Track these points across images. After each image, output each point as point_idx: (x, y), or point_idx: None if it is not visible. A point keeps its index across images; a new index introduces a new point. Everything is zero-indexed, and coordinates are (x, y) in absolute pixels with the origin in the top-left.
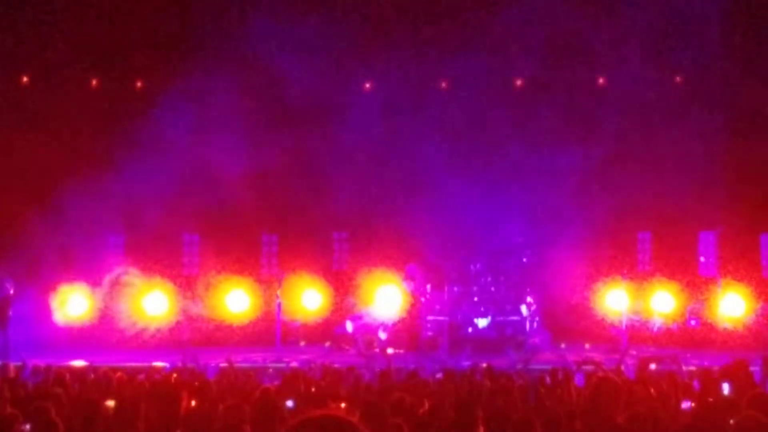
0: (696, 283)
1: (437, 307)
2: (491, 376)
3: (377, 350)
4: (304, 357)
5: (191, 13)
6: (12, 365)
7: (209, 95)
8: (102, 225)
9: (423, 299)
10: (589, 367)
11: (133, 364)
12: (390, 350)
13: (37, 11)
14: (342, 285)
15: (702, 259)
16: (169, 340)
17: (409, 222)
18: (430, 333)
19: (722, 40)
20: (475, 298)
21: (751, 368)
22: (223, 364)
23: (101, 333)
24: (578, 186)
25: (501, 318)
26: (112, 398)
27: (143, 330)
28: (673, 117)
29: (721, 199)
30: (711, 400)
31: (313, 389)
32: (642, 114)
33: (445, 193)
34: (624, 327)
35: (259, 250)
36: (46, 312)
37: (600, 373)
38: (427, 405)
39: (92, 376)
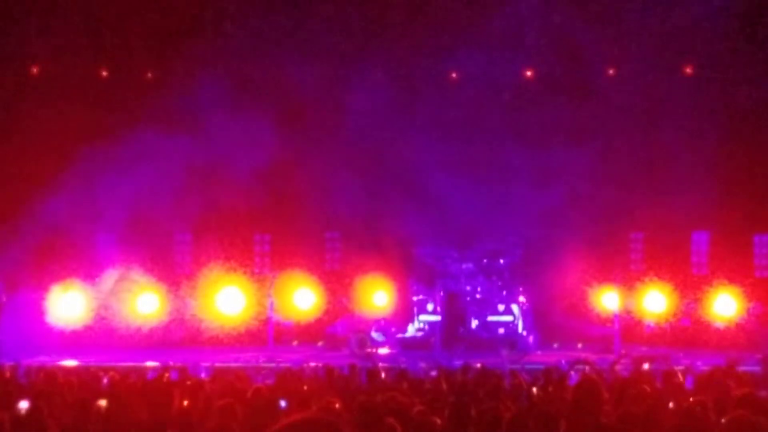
0: (688, 282)
1: (429, 306)
2: (484, 375)
3: (370, 350)
4: (297, 357)
5: (184, 9)
6: (6, 366)
7: (201, 94)
8: (95, 224)
9: (415, 299)
10: (582, 367)
11: (126, 364)
12: (382, 350)
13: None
14: (335, 285)
15: (694, 259)
16: (162, 340)
17: (402, 222)
18: (422, 333)
19: (716, 41)
20: (468, 298)
21: (743, 368)
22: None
23: (94, 333)
24: (571, 186)
25: (493, 318)
26: (104, 398)
27: (136, 329)
28: (666, 118)
29: (713, 199)
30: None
31: (305, 389)
32: (635, 115)
33: (438, 192)
34: (616, 327)
35: (251, 250)
36: (39, 312)
37: (593, 373)
38: (419, 405)
39: (84, 376)
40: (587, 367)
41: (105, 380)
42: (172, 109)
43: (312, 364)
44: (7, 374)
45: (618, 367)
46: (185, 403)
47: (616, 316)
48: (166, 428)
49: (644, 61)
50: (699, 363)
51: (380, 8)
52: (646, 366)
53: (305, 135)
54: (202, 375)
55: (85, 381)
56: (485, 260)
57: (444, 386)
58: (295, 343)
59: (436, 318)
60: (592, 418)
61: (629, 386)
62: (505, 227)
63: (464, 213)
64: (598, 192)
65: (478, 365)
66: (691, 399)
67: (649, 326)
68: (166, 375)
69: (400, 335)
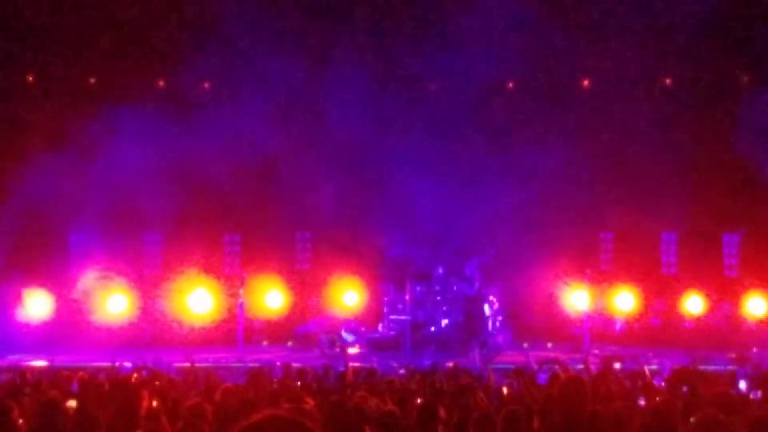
0: (657, 282)
1: (399, 306)
2: (453, 375)
3: (340, 350)
4: (267, 357)
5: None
6: None
7: (173, 95)
8: (64, 225)
9: (386, 298)
10: (552, 366)
11: (95, 364)
12: (352, 350)
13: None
14: (305, 285)
15: (663, 259)
16: (131, 340)
17: (374, 222)
18: (392, 333)
19: (686, 46)
20: (438, 298)
21: (712, 367)
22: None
23: (65, 332)
24: (542, 187)
25: (463, 317)
26: (73, 398)
27: (107, 329)
28: (636, 120)
29: (682, 199)
30: (671, 398)
31: (275, 388)
32: (604, 117)
33: (409, 193)
34: (586, 326)
35: (221, 250)
36: (9, 312)
37: (563, 372)
38: (389, 404)
39: (54, 376)
40: (557, 366)
41: (74, 380)
42: (143, 111)
43: (280, 364)
44: None
45: (587, 366)
46: (154, 403)
47: (586, 315)
48: (135, 428)
49: (616, 66)
50: (668, 362)
51: (353, 9)
52: (617, 365)
53: (276, 136)
54: (173, 375)
55: (55, 381)
56: (456, 260)
57: (414, 386)
58: (265, 343)
59: (406, 318)
60: (572, 417)
61: (599, 385)
62: (477, 228)
63: (435, 213)
64: (569, 193)
65: (450, 364)
66: (659, 398)
67: (618, 326)
68: (136, 375)
69: (370, 335)
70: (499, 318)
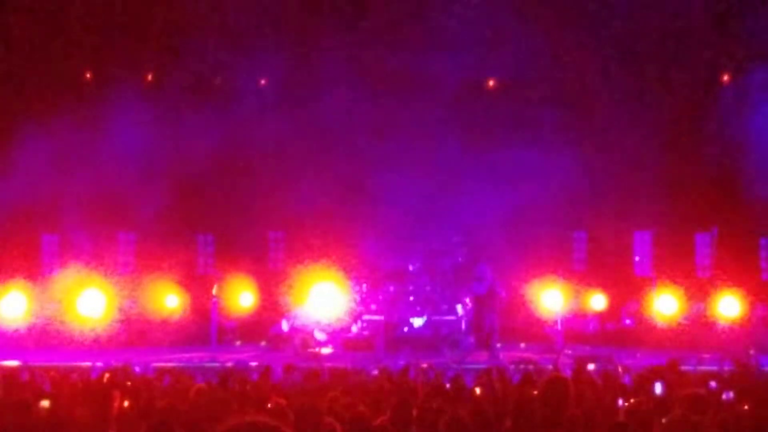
0: (631, 282)
1: (373, 306)
2: (426, 375)
3: (313, 350)
4: (240, 356)
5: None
6: None
7: (141, 91)
8: (39, 223)
9: (358, 298)
10: (524, 366)
11: (67, 364)
12: (325, 350)
13: None
14: (278, 284)
15: (637, 258)
16: (106, 340)
17: (347, 222)
18: (365, 332)
19: (655, 41)
20: (411, 298)
21: (684, 368)
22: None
23: (38, 332)
24: (514, 186)
25: (437, 317)
26: (45, 399)
27: (79, 329)
28: (607, 117)
29: (656, 199)
30: (644, 399)
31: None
32: (576, 114)
33: (381, 192)
34: (559, 326)
35: (195, 250)
36: None
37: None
38: (362, 405)
39: (27, 376)
40: (531, 366)
41: (47, 380)
42: (113, 109)
43: (254, 364)
44: None
45: (556, 366)
46: (126, 403)
47: (559, 316)
48: (107, 429)
49: (592, 67)
50: (641, 362)
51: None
52: (591, 366)
53: (247, 134)
54: (146, 374)
55: (28, 381)
56: (429, 260)
57: (387, 386)
58: (238, 342)
59: (380, 318)
60: (557, 416)
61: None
62: (450, 227)
63: (409, 213)
64: (541, 192)
65: (425, 365)
66: (633, 399)
67: (592, 326)
68: (108, 375)
69: (343, 335)
70: (472, 318)
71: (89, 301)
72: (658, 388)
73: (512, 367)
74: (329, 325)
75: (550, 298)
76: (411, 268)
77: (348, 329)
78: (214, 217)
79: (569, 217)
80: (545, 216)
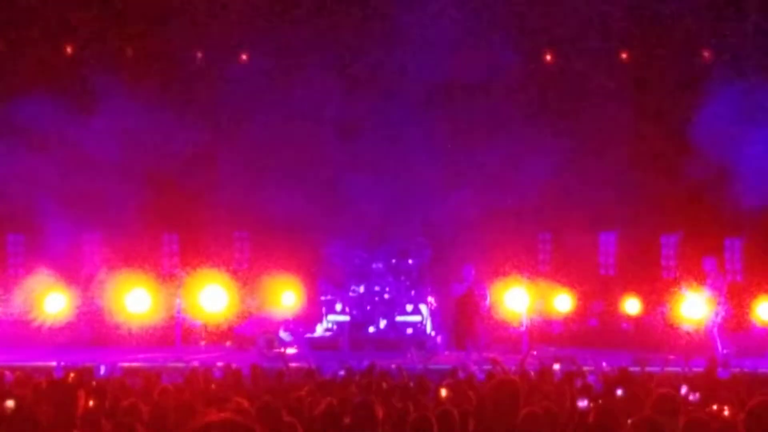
0: (596, 283)
1: (338, 306)
2: (391, 375)
3: (278, 350)
4: (205, 356)
5: None
6: None
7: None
8: (2, 224)
9: (324, 299)
10: (489, 367)
11: (31, 364)
12: (290, 350)
13: None
14: (243, 285)
15: (602, 259)
16: (70, 340)
17: (311, 222)
18: (331, 333)
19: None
20: (376, 298)
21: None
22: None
23: (1, 332)
24: (479, 186)
25: (402, 318)
26: (9, 398)
27: (44, 329)
28: (572, 118)
29: (620, 200)
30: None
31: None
32: (541, 114)
33: (347, 192)
34: (524, 327)
35: (160, 249)
36: None
37: (501, 372)
38: (325, 405)
39: None
40: (497, 367)
41: (10, 380)
42: (80, 102)
43: (220, 364)
44: None
45: (521, 366)
46: (91, 403)
47: (524, 316)
48: (72, 428)
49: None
50: (605, 363)
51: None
52: (556, 366)
53: (216, 134)
54: (112, 375)
55: None
56: (393, 260)
57: (353, 386)
58: (202, 343)
59: (345, 318)
60: (506, 418)
61: (535, 387)
62: (414, 227)
63: (373, 213)
64: (506, 193)
65: (393, 366)
66: (600, 400)
67: (557, 327)
68: (72, 375)
69: (308, 335)
70: (437, 319)
71: (54, 301)
72: (619, 390)
73: (476, 367)
74: (294, 325)
75: (515, 299)
76: (376, 267)
77: (313, 329)
78: (179, 216)
79: (534, 218)
80: (510, 217)
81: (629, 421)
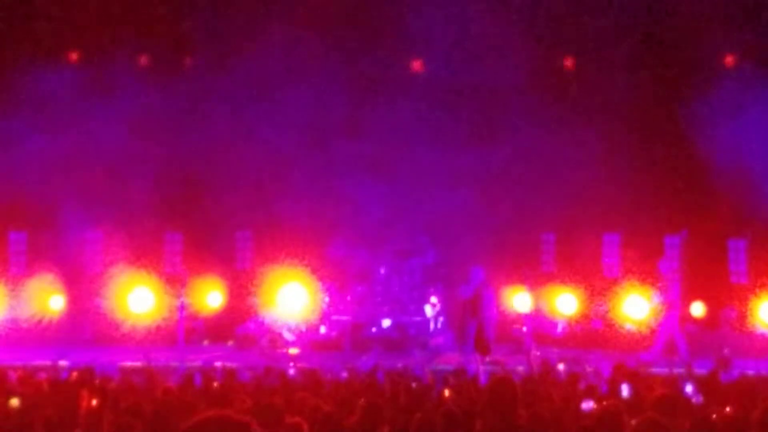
0: (599, 284)
1: (341, 307)
2: (395, 376)
3: (281, 350)
4: (207, 356)
5: None
6: None
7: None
8: (3, 222)
9: (326, 299)
10: (492, 368)
11: (34, 363)
12: (293, 350)
13: None
14: (245, 284)
15: (605, 260)
16: (71, 339)
17: (314, 222)
18: (333, 333)
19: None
20: (379, 298)
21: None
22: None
23: (3, 331)
24: (482, 186)
25: (404, 318)
26: (13, 397)
27: (46, 328)
28: (575, 118)
29: (624, 201)
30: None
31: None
32: (544, 115)
33: (350, 193)
34: (527, 328)
35: (162, 248)
36: None
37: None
38: (329, 406)
39: None
40: (499, 368)
41: (14, 379)
42: (75, 101)
43: (219, 364)
44: None
45: (531, 366)
46: (93, 402)
47: (527, 317)
48: (75, 427)
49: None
50: (608, 365)
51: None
52: (560, 367)
53: (219, 133)
54: (114, 374)
55: None
56: (396, 260)
57: (356, 387)
58: (205, 342)
59: (347, 318)
60: (506, 419)
61: (539, 387)
62: (417, 228)
63: (376, 213)
64: (509, 193)
65: (400, 366)
66: (605, 401)
67: (560, 328)
68: (75, 374)
69: (311, 335)
70: (441, 319)
71: (55, 300)
72: (625, 390)
73: (481, 368)
74: (297, 325)
75: (519, 300)
76: (380, 270)
77: (316, 330)
78: (182, 215)
79: (537, 219)
80: (513, 217)
81: (633, 422)
